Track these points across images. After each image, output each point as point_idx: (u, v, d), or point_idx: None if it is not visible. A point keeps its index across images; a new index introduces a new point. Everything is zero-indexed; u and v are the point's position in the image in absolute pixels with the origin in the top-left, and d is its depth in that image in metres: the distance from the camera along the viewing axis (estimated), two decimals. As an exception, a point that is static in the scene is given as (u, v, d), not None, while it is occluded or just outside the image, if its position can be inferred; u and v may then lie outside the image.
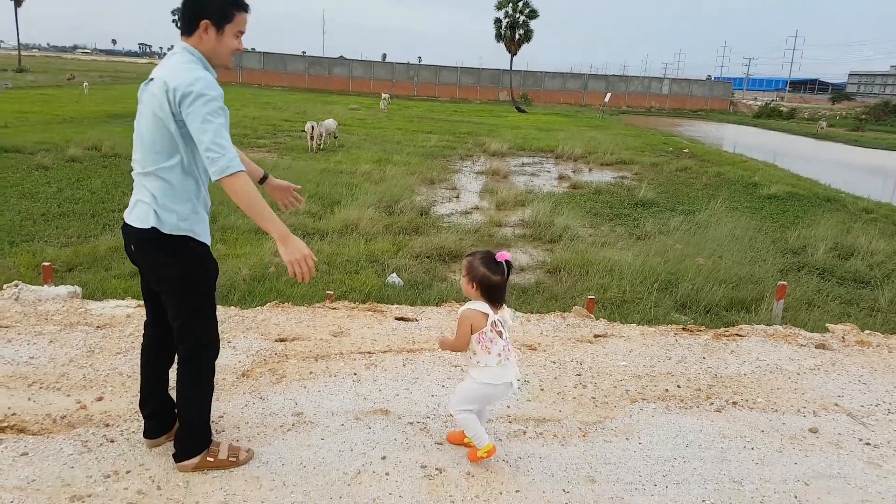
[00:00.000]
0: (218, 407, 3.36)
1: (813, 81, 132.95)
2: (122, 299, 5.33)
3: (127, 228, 2.69)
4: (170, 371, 3.01)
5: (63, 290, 5.32)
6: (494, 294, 2.84)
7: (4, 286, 5.27)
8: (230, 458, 2.87)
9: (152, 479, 2.76)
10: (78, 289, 5.52)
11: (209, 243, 2.78)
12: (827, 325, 5.33)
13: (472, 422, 2.92)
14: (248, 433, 3.15)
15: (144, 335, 2.99)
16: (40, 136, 17.17)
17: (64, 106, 27.95)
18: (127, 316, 4.67)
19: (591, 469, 2.96)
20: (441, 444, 3.13)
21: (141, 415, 3.01)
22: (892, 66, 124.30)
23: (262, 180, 3.18)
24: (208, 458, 2.83)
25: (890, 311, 7.95)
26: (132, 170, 2.76)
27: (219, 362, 3.81)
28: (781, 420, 3.47)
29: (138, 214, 2.63)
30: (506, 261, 2.83)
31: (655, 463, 3.02)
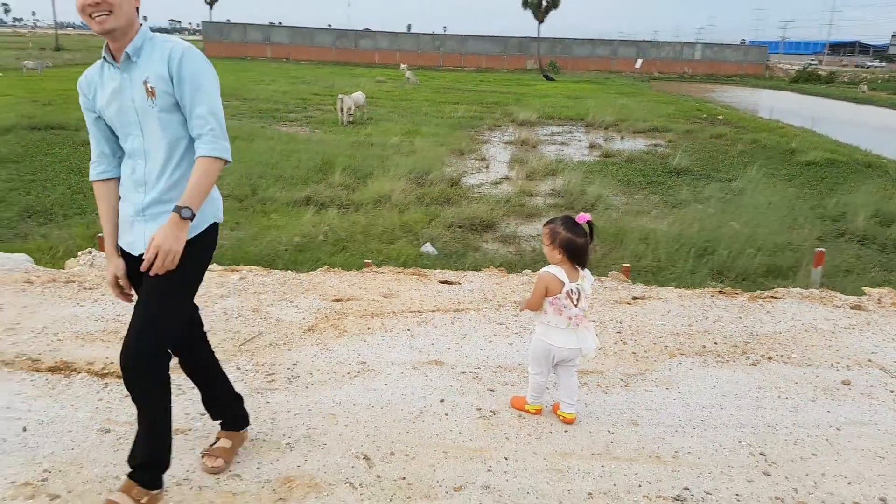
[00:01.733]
0: (290, 356, 3.70)
1: (853, 44, 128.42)
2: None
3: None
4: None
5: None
6: (580, 256, 2.96)
7: (79, 253, 5.66)
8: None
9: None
10: (141, 254, 5.89)
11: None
12: (863, 288, 5.48)
13: (537, 385, 3.12)
14: (320, 378, 3.47)
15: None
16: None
17: (102, 82, 28.45)
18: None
19: (633, 413, 3.22)
20: (493, 390, 3.42)
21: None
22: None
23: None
24: (144, 499, 2.42)
25: (933, 279, 7.98)
26: None
27: (285, 318, 4.16)
28: (815, 373, 3.69)
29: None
30: (587, 222, 2.96)
31: (694, 409, 3.27)
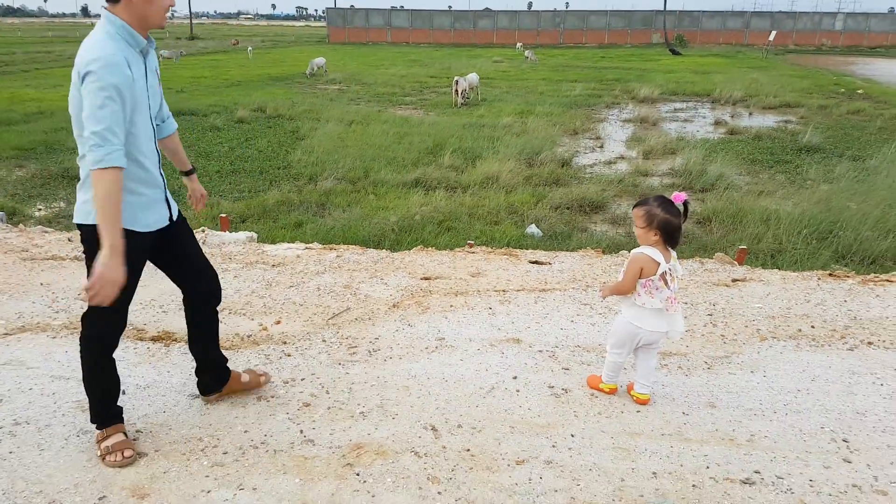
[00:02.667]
0: (373, 330, 3.87)
1: None
2: (293, 242, 6.03)
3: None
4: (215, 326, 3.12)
5: (242, 235, 6.13)
6: (675, 237, 2.90)
7: (194, 231, 6.14)
8: (104, 455, 2.70)
9: (322, 386, 3.28)
10: (254, 234, 6.32)
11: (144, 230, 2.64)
12: None
13: (616, 365, 3.09)
14: (399, 352, 3.61)
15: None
16: (212, 100, 18.91)
17: (231, 70, 30.34)
18: (297, 256, 5.31)
19: (711, 396, 3.12)
20: (568, 369, 3.42)
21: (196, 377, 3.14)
22: None
23: (188, 173, 3.20)
24: (97, 436, 2.76)
25: None
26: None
27: (373, 295, 4.34)
28: (920, 361, 3.40)
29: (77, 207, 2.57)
30: (684, 202, 2.89)
31: (778, 393, 3.12)
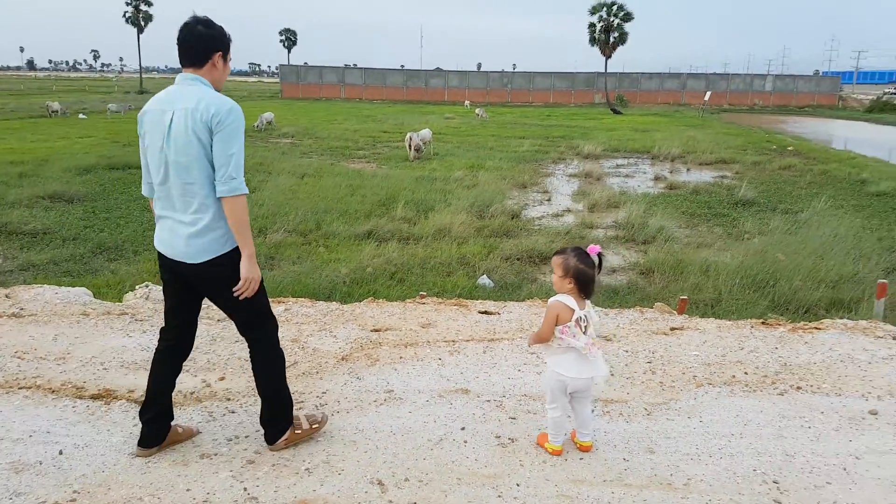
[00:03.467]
0: (321, 385, 3.86)
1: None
2: (239, 297, 5.99)
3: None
4: (178, 376, 3.27)
5: (188, 289, 6.05)
6: (589, 286, 3.02)
7: (137, 287, 6.05)
8: (312, 426, 3.23)
9: (266, 443, 3.25)
10: (200, 289, 6.25)
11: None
12: (917, 319, 5.25)
13: (557, 419, 3.12)
14: (347, 406, 3.61)
15: (163, 339, 3.25)
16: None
17: (182, 125, 30.16)
18: (243, 310, 5.27)
19: (651, 442, 3.22)
20: (514, 418, 3.48)
21: (140, 421, 3.15)
22: None
23: None
24: (296, 432, 3.18)
25: None
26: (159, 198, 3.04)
27: (322, 348, 4.34)
28: (843, 403, 3.58)
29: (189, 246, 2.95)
30: (598, 253, 3.03)
31: (713, 438, 3.24)
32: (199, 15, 2.91)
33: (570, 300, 3.02)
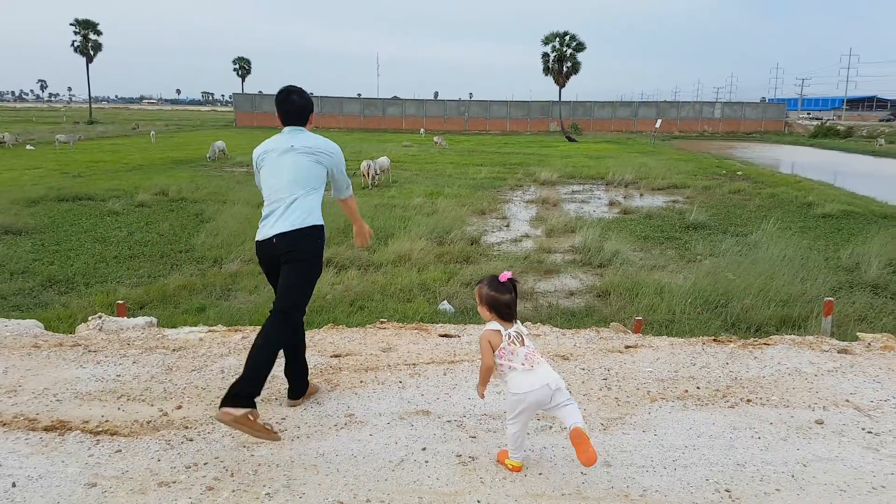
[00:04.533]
0: (280, 411, 3.84)
1: (871, 99, 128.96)
2: (195, 326, 5.92)
3: (275, 237, 3.70)
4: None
5: (141, 320, 5.96)
6: (504, 312, 3.12)
7: (89, 318, 5.93)
8: (266, 426, 3.33)
9: (226, 469, 3.22)
10: (154, 319, 6.16)
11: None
12: (858, 333, 5.48)
13: (516, 435, 3.15)
14: (307, 431, 3.60)
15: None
16: (111, 184, 18.45)
17: (132, 154, 29.79)
18: (199, 340, 5.21)
19: (608, 455, 3.28)
20: (475, 437, 3.51)
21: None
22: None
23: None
24: (249, 416, 3.26)
25: (948, 325, 7.89)
26: (275, 200, 3.79)
27: (280, 375, 4.33)
28: (791, 414, 3.72)
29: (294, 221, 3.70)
30: (509, 279, 3.13)
31: (667, 450, 3.33)
32: (292, 86, 4.06)
33: (494, 324, 3.12)
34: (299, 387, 3.97)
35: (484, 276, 3.38)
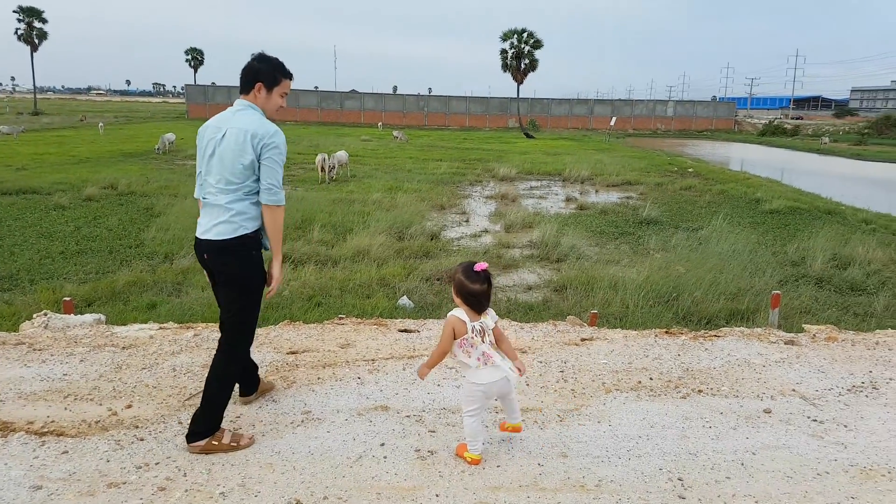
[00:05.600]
0: (235, 409, 3.77)
1: (816, 98, 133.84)
2: (145, 323, 5.77)
3: (203, 243, 3.38)
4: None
5: (89, 317, 5.78)
6: (473, 302, 3.12)
7: (34, 315, 5.73)
8: (232, 443, 3.32)
9: (178, 468, 3.15)
10: (102, 316, 5.98)
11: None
12: (803, 325, 5.66)
13: (474, 427, 3.19)
14: (262, 429, 3.55)
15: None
16: (57, 177, 17.85)
17: (79, 146, 28.89)
18: (150, 337, 5.09)
19: (564, 447, 3.33)
20: (434, 431, 3.52)
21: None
22: (893, 82, 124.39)
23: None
24: (213, 442, 3.29)
25: (885, 317, 8.20)
26: (204, 197, 3.43)
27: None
28: (740, 404, 3.84)
29: (222, 230, 3.33)
30: (483, 271, 3.13)
31: (622, 440, 3.39)
32: (263, 52, 3.46)
33: (462, 313, 3.13)
34: (250, 384, 3.85)
35: (459, 263, 3.39)
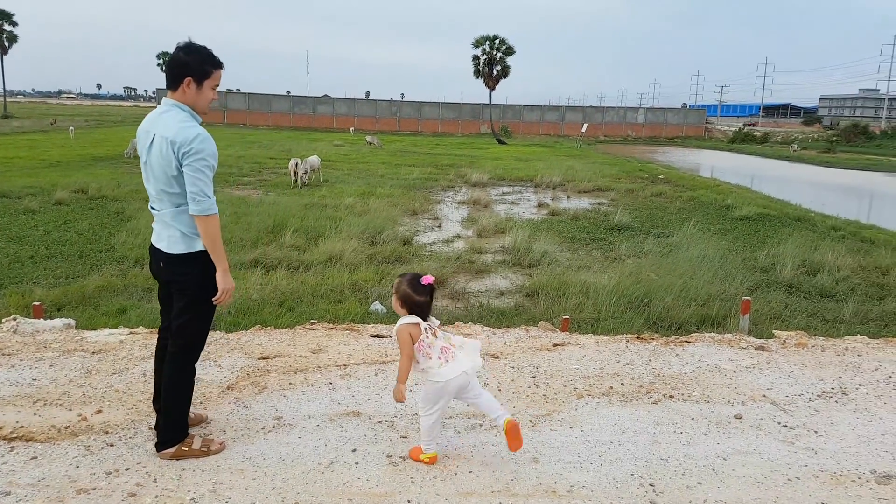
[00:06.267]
0: (206, 413, 3.73)
1: (785, 106, 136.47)
2: (115, 328, 5.69)
3: (158, 251, 3.27)
4: None
5: (58, 322, 5.68)
6: (417, 311, 3.17)
7: (3, 320, 5.61)
8: (202, 449, 3.29)
9: (149, 474, 3.12)
10: (72, 321, 5.88)
11: None
12: (773, 331, 5.76)
13: (431, 426, 3.22)
14: (233, 435, 3.51)
15: (159, 338, 3.53)
16: (27, 181, 17.51)
17: (50, 150, 28.35)
18: (120, 342, 5.01)
19: (536, 452, 3.35)
20: (406, 437, 3.52)
21: (154, 409, 3.53)
22: (860, 90, 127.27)
23: None
24: (183, 448, 3.25)
25: (853, 322, 8.35)
26: (152, 206, 3.30)
27: (205, 378, 4.22)
28: (711, 409, 3.90)
29: (169, 243, 3.21)
30: (429, 284, 3.16)
31: (594, 446, 3.42)
32: (190, 41, 3.20)
33: (411, 317, 3.16)
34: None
35: (408, 271, 3.39)
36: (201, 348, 3.40)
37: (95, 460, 3.22)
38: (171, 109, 3.15)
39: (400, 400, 3.20)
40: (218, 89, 3.34)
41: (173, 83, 3.15)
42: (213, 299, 3.21)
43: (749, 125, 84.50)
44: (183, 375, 3.32)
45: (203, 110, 3.23)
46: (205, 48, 3.19)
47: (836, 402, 4.09)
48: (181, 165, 3.04)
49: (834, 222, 16.10)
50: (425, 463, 3.24)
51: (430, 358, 3.15)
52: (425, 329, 3.14)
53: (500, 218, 15.26)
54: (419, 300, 3.14)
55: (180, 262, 3.19)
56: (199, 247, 3.17)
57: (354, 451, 3.38)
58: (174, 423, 3.29)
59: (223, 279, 3.19)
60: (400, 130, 65.32)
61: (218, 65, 3.22)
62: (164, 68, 3.24)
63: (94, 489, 2.98)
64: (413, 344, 3.14)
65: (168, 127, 3.08)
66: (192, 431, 3.39)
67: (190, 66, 3.13)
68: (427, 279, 3.16)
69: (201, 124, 3.20)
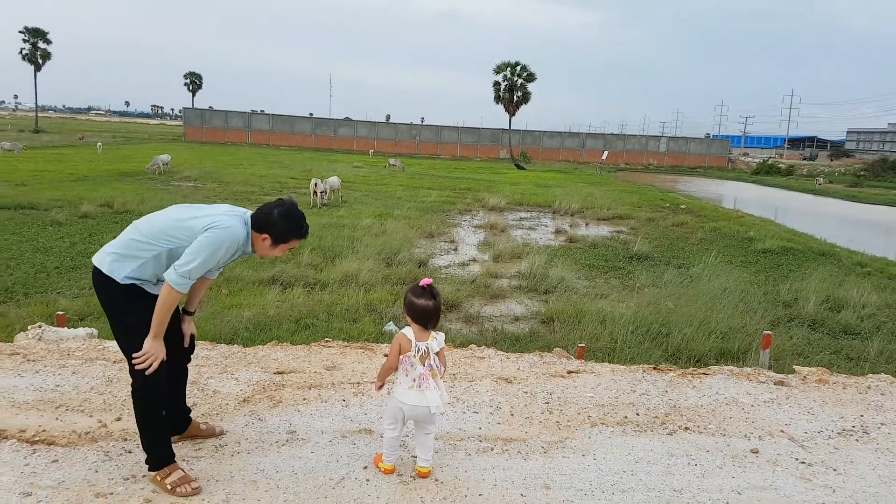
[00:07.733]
0: (221, 426, 3.77)
1: (811, 139, 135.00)
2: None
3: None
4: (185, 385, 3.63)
5: (81, 331, 5.79)
6: (421, 318, 3.24)
7: (29, 327, 5.73)
8: (169, 486, 3.08)
9: (163, 483, 3.15)
10: (94, 330, 5.98)
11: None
12: (794, 366, 5.69)
13: (391, 441, 3.33)
14: (247, 447, 3.55)
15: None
16: (55, 194, 17.86)
17: (78, 165, 28.90)
18: (139, 352, 5.08)
19: (547, 478, 3.35)
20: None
21: None
22: (889, 124, 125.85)
23: (188, 313, 3.61)
24: (157, 477, 3.13)
25: (878, 362, 8.17)
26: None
27: (222, 390, 4.27)
28: (727, 443, 3.87)
29: (101, 256, 3.41)
30: (428, 285, 3.24)
31: (606, 474, 3.41)
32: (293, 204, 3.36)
33: (410, 332, 3.26)
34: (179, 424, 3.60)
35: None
36: (143, 377, 3.11)
37: (114, 466, 3.27)
38: (240, 216, 3.30)
39: (376, 390, 3.45)
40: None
41: (256, 227, 3.27)
42: (135, 359, 3.07)
43: (808, 158, 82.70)
44: (137, 403, 3.19)
45: (260, 256, 3.36)
46: (299, 218, 3.32)
47: (857, 440, 4.03)
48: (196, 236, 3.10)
49: (860, 258, 15.81)
50: (383, 472, 3.34)
51: (406, 376, 3.26)
52: (416, 349, 3.23)
53: (516, 243, 15.26)
54: (420, 304, 3.21)
55: (100, 279, 3.26)
56: (118, 275, 3.18)
57: (366, 468, 3.40)
58: (149, 446, 3.17)
59: (152, 343, 3.06)
60: (419, 154, 65.79)
61: (301, 237, 3.36)
62: (258, 210, 3.35)
63: (111, 494, 3.03)
64: (401, 355, 3.25)
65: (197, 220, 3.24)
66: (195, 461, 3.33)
67: (278, 228, 3.25)
68: (425, 281, 3.25)
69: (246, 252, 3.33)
